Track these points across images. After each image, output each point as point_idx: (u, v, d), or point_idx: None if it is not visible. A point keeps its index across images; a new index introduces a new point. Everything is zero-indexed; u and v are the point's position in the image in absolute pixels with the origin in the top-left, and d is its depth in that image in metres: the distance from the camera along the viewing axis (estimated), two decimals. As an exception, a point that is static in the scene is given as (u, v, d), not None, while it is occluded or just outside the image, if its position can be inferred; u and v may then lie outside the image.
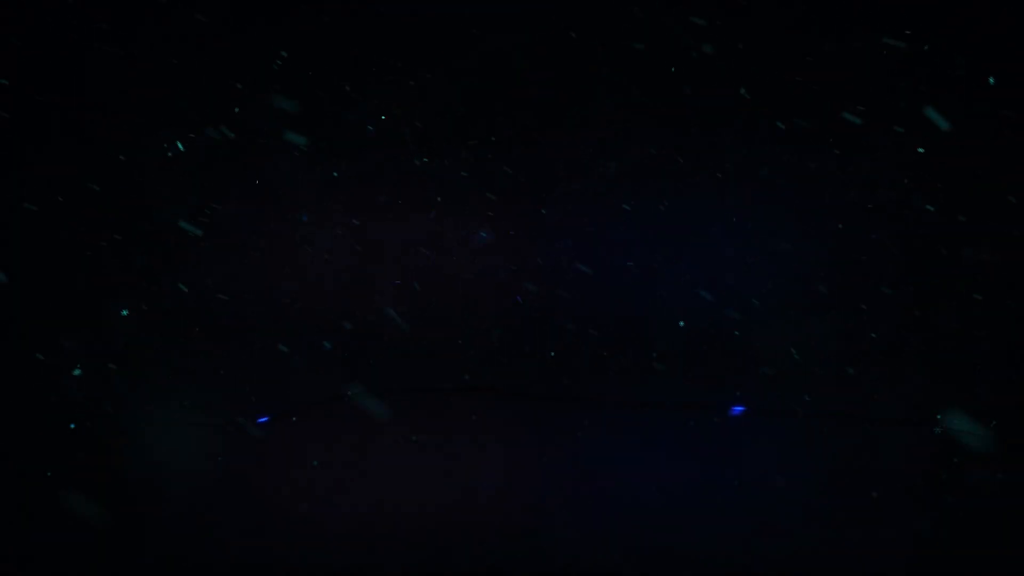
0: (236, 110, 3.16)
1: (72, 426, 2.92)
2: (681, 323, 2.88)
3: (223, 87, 3.16)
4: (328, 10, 3.23)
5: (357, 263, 3.10)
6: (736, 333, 2.85)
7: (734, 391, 2.82)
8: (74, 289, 3.05)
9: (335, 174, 3.15)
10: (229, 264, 3.25)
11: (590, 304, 2.93)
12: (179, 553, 2.73)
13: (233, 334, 3.22)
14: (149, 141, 3.18)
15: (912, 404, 2.60)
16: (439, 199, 3.09)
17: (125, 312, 3.00)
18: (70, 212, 3.08)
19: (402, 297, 3.09)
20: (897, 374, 2.64)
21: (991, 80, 2.75)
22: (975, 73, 2.77)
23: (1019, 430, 2.60)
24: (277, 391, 3.07)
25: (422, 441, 2.97)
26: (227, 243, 3.16)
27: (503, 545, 2.79)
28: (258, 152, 3.18)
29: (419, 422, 2.96)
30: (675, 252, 2.92)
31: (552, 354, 2.85)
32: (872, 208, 2.81)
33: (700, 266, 2.90)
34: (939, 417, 2.53)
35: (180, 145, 3.07)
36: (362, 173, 3.15)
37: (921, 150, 2.79)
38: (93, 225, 3.12)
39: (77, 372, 2.79)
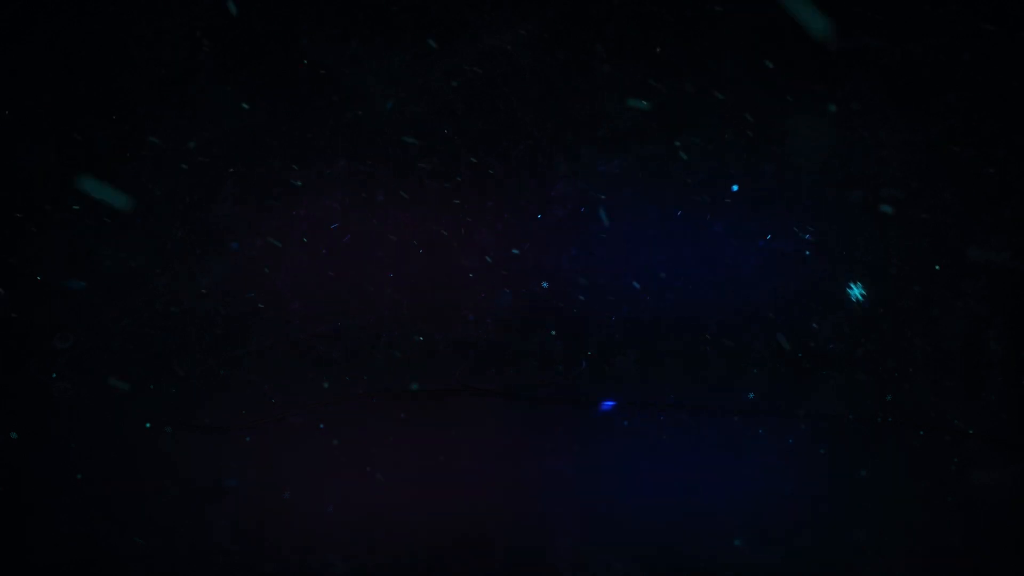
0: (231, 107, 3.13)
1: (67, 427, 2.89)
2: (683, 324, 2.86)
3: (219, 85, 3.12)
4: (325, 5, 3.20)
5: (354, 263, 3.07)
6: (739, 334, 2.83)
7: (737, 393, 2.80)
8: (67, 289, 3.02)
9: (332, 172, 3.11)
10: (224, 264, 3.21)
11: (591, 305, 2.91)
12: (175, 555, 2.71)
13: (230, 334, 3.19)
14: (142, 138, 3.14)
15: (917, 406, 2.60)
16: (437, 197, 3.06)
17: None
18: (62, 211, 3.04)
19: (400, 297, 3.06)
20: (902, 375, 2.62)
21: (998, 76, 2.73)
22: (982, 69, 2.75)
23: (1024, 431, 2.58)
24: (274, 392, 3.05)
25: (421, 444, 2.95)
26: (222, 243, 3.13)
27: (504, 549, 2.78)
28: (254, 150, 3.14)
29: (418, 424, 2.94)
30: (677, 252, 2.90)
31: (552, 355, 2.83)
32: (877, 207, 2.79)
33: (702, 266, 2.88)
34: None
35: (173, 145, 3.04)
36: (359, 172, 3.12)
37: (927, 147, 2.77)
38: (86, 224, 3.08)
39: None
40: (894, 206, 2.78)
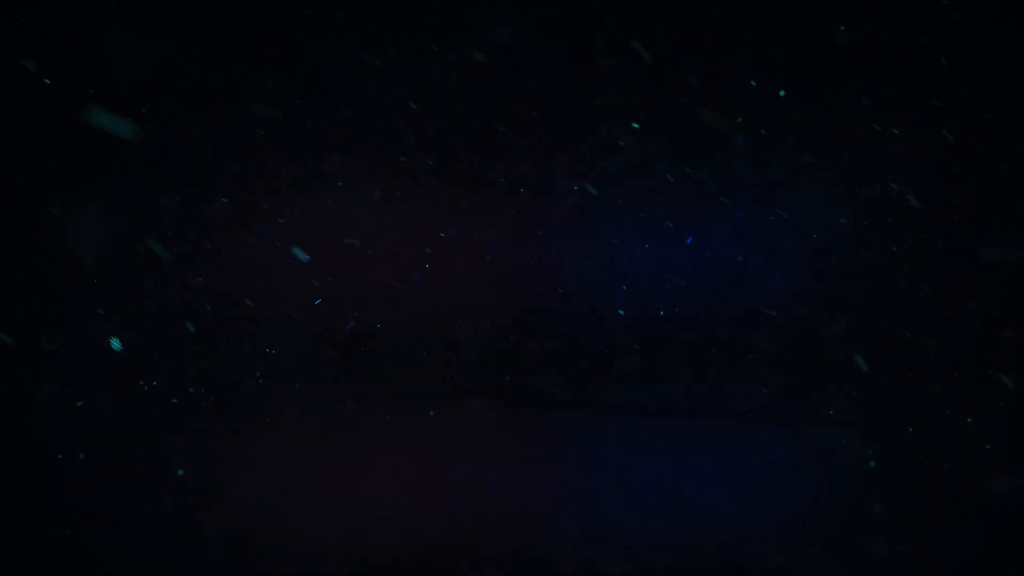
0: (225, 104, 3.10)
1: (59, 429, 2.86)
2: (685, 325, 2.84)
3: (212, 80, 3.09)
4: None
5: (351, 263, 3.04)
6: (742, 335, 2.80)
7: (740, 395, 2.77)
8: (57, 289, 2.99)
9: (328, 170, 3.09)
10: (218, 264, 3.18)
11: (592, 305, 2.88)
12: (167, 560, 2.68)
13: (223, 336, 3.15)
14: (131, 135, 3.11)
15: (927, 408, 2.57)
16: (436, 195, 3.04)
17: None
18: (51, 209, 3.02)
19: (398, 298, 3.03)
20: (912, 377, 2.59)
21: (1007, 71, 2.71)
22: (995, 63, 2.73)
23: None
24: (269, 395, 3.01)
25: (418, 447, 2.92)
26: (215, 242, 3.10)
27: (503, 554, 2.74)
28: (248, 147, 3.11)
29: (415, 428, 2.91)
30: (679, 252, 2.87)
31: (554, 357, 2.80)
32: (886, 205, 2.76)
33: (705, 266, 2.85)
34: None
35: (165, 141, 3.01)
36: (357, 169, 3.09)
37: (937, 144, 2.74)
38: (75, 222, 3.06)
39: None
40: (904, 204, 2.76)
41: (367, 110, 3.07)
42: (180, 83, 3.04)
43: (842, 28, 2.81)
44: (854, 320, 2.73)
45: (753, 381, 2.75)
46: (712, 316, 2.77)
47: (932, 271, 2.68)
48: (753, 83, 2.83)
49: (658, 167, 2.86)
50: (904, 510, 2.62)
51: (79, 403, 2.85)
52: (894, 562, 2.56)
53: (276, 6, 3.04)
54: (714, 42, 2.87)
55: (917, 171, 2.70)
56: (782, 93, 2.87)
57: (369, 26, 3.05)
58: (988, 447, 2.56)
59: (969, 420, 2.56)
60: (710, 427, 2.81)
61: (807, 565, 2.57)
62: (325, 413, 2.89)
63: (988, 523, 2.57)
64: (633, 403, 2.78)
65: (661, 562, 2.55)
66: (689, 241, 2.79)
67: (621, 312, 2.79)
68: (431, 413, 2.81)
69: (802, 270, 2.74)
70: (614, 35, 2.92)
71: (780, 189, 2.81)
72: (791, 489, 2.66)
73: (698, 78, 2.89)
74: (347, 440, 2.89)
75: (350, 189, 3.10)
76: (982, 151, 2.69)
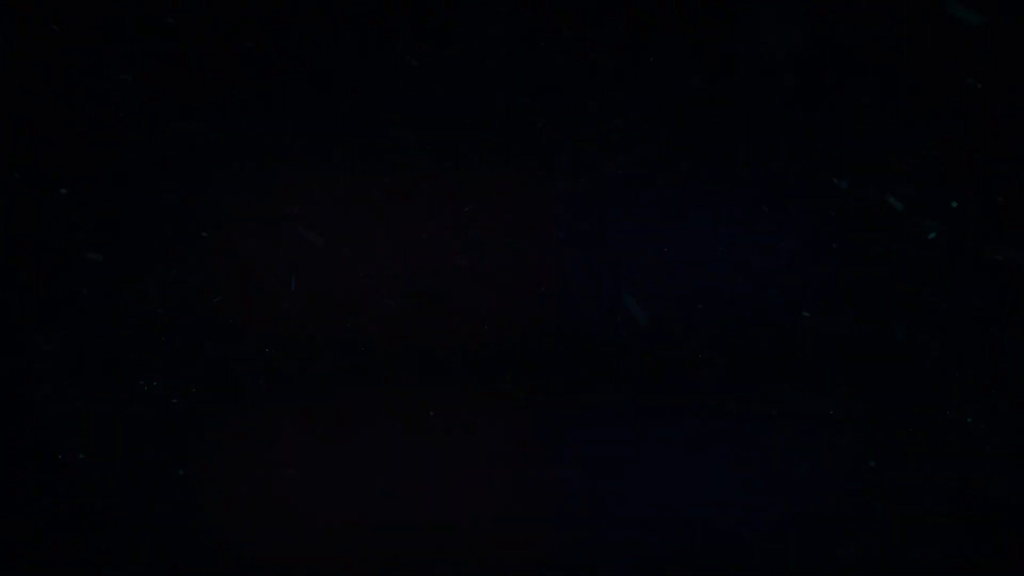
0: (223, 101, 3.09)
1: (56, 430, 2.86)
2: (686, 325, 2.84)
3: (210, 76, 3.08)
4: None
5: (351, 261, 3.04)
6: (745, 335, 2.80)
7: (742, 394, 2.77)
8: (54, 288, 2.99)
9: (327, 168, 3.08)
10: (217, 262, 3.17)
11: (593, 305, 2.88)
12: (166, 555, 2.69)
13: (221, 335, 3.15)
14: (130, 131, 3.10)
15: (930, 409, 2.57)
16: (435, 195, 3.03)
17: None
18: (48, 206, 3.01)
19: (397, 299, 3.03)
20: (915, 378, 2.59)
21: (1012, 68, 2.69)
22: (994, 63, 2.71)
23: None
24: (268, 394, 3.02)
25: (419, 445, 2.93)
26: (214, 240, 3.09)
27: (504, 553, 2.76)
28: (247, 144, 3.10)
29: (415, 426, 2.92)
30: (681, 251, 2.87)
31: (555, 357, 2.80)
32: (890, 204, 2.76)
33: (707, 266, 2.85)
34: None
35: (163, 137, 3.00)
36: (355, 168, 3.08)
37: (943, 143, 2.73)
38: (73, 220, 3.05)
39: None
40: (906, 202, 2.75)
41: (366, 108, 3.07)
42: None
43: (842, 21, 2.80)
44: (853, 319, 2.74)
45: (751, 380, 2.75)
46: (711, 316, 2.77)
47: (932, 271, 2.68)
48: (750, 84, 2.83)
49: (661, 166, 2.87)
50: (903, 510, 2.62)
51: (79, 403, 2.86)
52: (893, 562, 2.57)
53: (275, 4, 3.03)
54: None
55: (916, 170, 2.70)
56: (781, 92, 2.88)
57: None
58: (988, 447, 2.56)
59: (969, 420, 2.56)
60: (709, 427, 2.81)
61: (806, 565, 2.58)
62: (325, 413, 2.89)
63: (988, 523, 2.57)
64: (633, 403, 2.79)
65: (662, 563, 2.56)
66: (688, 241, 2.80)
67: (622, 311, 2.80)
68: (431, 413, 2.81)
69: (801, 270, 2.74)
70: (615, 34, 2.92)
71: (778, 188, 2.82)
72: (789, 489, 2.67)
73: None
74: (347, 440, 2.90)
75: (349, 187, 3.11)
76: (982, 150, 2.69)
